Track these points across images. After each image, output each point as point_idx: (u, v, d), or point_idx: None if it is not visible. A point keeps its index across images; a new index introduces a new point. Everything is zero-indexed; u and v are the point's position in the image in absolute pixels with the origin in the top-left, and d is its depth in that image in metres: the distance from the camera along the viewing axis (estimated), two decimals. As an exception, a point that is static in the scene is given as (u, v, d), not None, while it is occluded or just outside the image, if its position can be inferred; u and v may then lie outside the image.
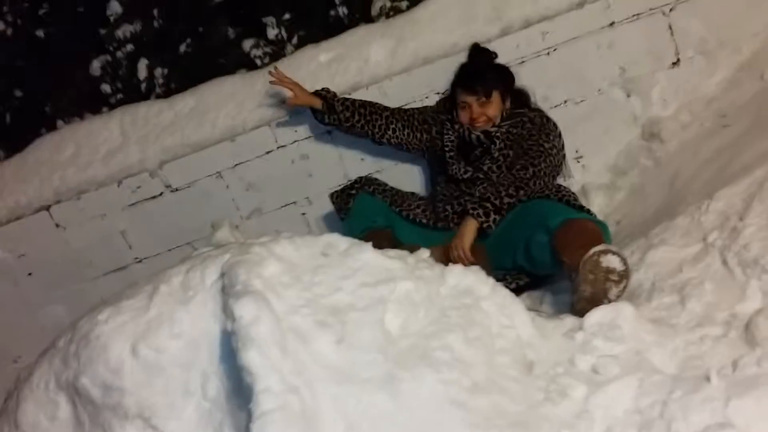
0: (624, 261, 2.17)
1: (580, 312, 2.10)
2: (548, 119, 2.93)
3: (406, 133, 3.03)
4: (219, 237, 2.31)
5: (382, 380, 1.67)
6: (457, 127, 2.94)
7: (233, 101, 3.23)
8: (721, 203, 2.36)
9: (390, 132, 3.03)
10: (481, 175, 2.86)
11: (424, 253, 2.11)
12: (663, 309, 2.11)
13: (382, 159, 3.26)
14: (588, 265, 2.16)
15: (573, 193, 2.65)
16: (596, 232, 2.39)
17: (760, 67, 3.03)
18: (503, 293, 2.02)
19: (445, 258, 2.59)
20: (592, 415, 1.71)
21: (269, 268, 1.81)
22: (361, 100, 3.03)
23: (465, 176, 2.89)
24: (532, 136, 2.84)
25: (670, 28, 3.12)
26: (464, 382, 1.72)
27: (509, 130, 2.88)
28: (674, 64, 3.17)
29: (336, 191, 3.01)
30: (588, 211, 2.52)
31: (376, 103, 3.06)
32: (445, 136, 2.97)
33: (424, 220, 2.89)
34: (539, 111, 2.98)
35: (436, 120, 3.04)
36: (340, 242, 1.95)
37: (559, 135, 2.91)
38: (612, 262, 2.16)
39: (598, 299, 2.13)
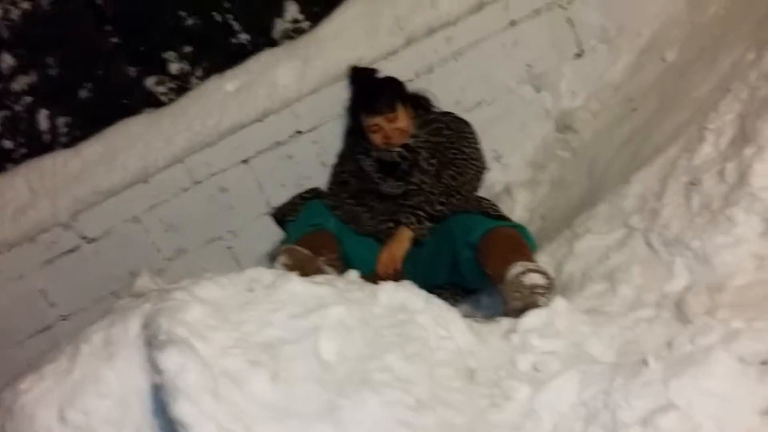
0: (545, 275, 2.17)
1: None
2: (462, 121, 2.93)
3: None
4: (139, 285, 2.22)
5: (323, 411, 1.62)
6: (374, 153, 2.89)
7: (141, 142, 3.14)
8: (638, 186, 2.40)
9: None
10: (414, 188, 2.83)
11: (353, 274, 2.08)
12: (595, 298, 2.13)
13: (304, 183, 3.20)
14: (512, 287, 2.16)
15: (492, 203, 2.65)
16: (515, 237, 2.40)
17: (661, 48, 3.11)
18: (438, 304, 1.99)
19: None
20: (538, 414, 1.69)
21: (192, 312, 1.74)
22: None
23: (398, 191, 2.86)
24: (453, 143, 2.84)
25: (570, 20, 3.18)
26: (408, 401, 1.68)
27: (428, 138, 2.87)
28: (578, 55, 3.23)
29: (282, 204, 2.93)
30: (507, 218, 2.52)
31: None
32: (365, 164, 2.93)
33: (381, 236, 2.83)
34: (450, 114, 2.98)
35: (347, 159, 3.02)
36: (265, 275, 1.89)
37: (475, 134, 2.92)
38: (534, 279, 2.15)
39: (528, 309, 2.12)
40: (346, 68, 3.10)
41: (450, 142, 2.84)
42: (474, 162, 2.82)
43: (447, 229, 2.59)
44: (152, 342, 1.66)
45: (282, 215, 2.91)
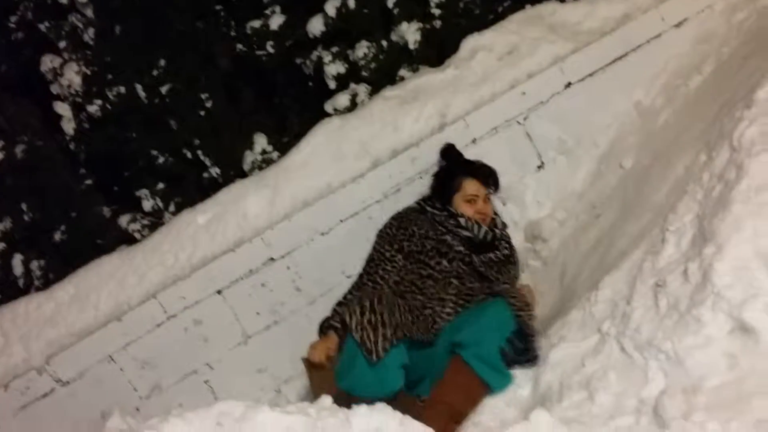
0: None
1: None
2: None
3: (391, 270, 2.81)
4: (110, 427, 2.16)
5: None
6: (463, 221, 2.85)
7: (114, 280, 3.14)
8: (608, 291, 2.41)
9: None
10: (495, 277, 2.84)
11: (327, 400, 2.04)
12: (574, 408, 2.10)
13: (278, 310, 3.21)
14: None
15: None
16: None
17: (618, 156, 3.21)
18: (413, 426, 1.95)
19: None
20: None
21: (160, 452, 1.70)
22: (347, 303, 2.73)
23: (482, 269, 2.83)
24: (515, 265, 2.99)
25: (528, 135, 3.29)
26: None
27: (504, 238, 2.96)
28: (539, 167, 3.32)
29: (363, 335, 2.41)
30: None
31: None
32: (454, 230, 2.84)
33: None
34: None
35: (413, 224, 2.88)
36: (235, 408, 1.85)
37: None
38: None
39: None
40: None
41: (515, 262, 2.99)
42: None
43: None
44: (117, 488, 1.61)
45: (363, 347, 2.40)
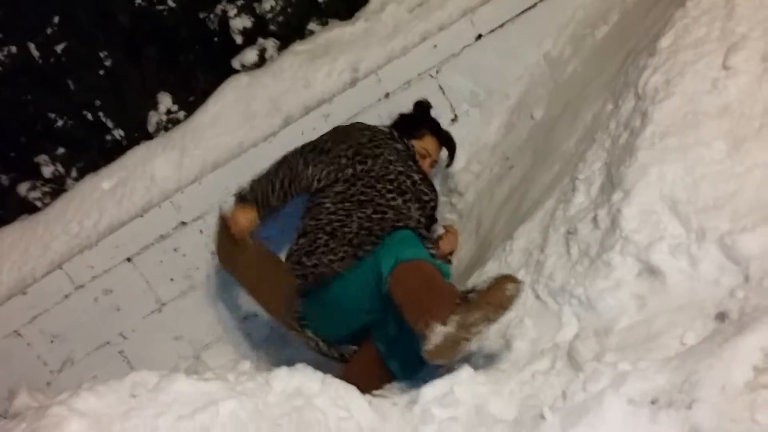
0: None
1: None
2: None
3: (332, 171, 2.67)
4: (17, 405, 2.07)
5: None
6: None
7: (16, 251, 3.01)
8: (522, 240, 2.45)
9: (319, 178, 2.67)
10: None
11: (244, 365, 2.01)
12: (493, 356, 2.14)
13: (192, 275, 3.13)
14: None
15: None
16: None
17: (529, 107, 3.25)
18: (335, 384, 1.94)
19: None
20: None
21: (71, 427, 1.63)
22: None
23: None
24: None
25: (441, 88, 3.28)
26: (311, 491, 1.61)
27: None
28: (453, 120, 3.32)
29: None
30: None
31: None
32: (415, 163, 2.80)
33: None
34: None
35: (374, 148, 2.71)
36: (149, 378, 1.79)
37: None
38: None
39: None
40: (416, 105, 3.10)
41: None
42: None
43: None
44: (27, 467, 1.54)
45: None
